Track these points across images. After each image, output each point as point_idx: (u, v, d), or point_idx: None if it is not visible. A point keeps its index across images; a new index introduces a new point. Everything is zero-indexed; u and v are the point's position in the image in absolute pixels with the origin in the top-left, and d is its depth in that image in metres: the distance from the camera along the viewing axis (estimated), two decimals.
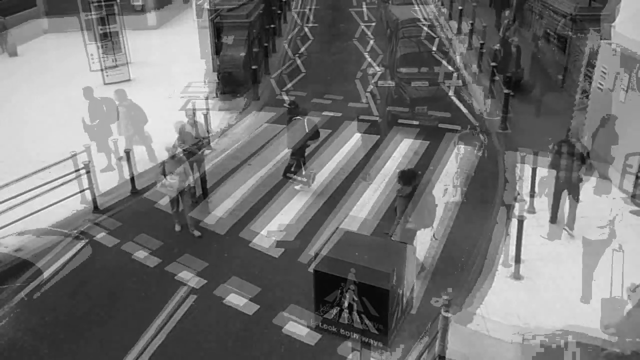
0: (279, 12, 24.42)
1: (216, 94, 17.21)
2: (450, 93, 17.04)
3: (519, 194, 11.60)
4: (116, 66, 18.68)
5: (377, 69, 19.31)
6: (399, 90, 15.45)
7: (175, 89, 17.94)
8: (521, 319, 8.53)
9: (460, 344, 8.00)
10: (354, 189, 12.42)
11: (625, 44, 11.56)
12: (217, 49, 17.85)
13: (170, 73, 19.17)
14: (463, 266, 9.89)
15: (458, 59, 19.91)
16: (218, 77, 17.31)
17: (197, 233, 11.00)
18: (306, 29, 24.62)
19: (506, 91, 14.67)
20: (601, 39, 12.51)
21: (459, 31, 22.34)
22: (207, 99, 16.22)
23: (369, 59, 20.54)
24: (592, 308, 8.52)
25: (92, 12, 18.18)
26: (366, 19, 26.13)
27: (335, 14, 27.29)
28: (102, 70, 18.50)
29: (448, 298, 7.36)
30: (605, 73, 12.20)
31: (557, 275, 9.38)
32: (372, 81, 18.41)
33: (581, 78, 13.90)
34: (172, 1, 27.41)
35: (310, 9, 28.34)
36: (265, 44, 19.94)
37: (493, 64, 16.43)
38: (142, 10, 24.91)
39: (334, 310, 8.24)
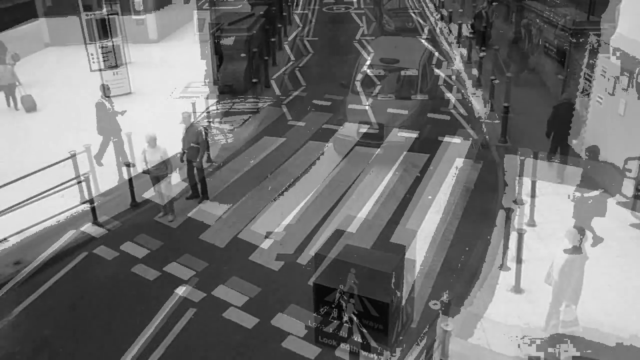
0: (279, 25, 24.57)
1: (217, 107, 17.29)
2: (450, 106, 17.18)
3: (518, 197, 11.65)
4: (116, 66, 18.68)
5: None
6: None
7: (175, 88, 18.31)
8: (522, 333, 8.48)
9: (461, 358, 7.95)
10: (353, 190, 12.46)
11: (627, 45, 11.61)
12: (218, 62, 17.96)
13: (171, 86, 19.23)
14: (463, 278, 9.87)
15: (459, 66, 20.16)
16: (218, 90, 17.42)
17: (169, 218, 11.88)
18: (306, 42, 24.74)
19: (475, 45, 19.77)
20: (600, 40, 12.70)
21: (459, 35, 22.60)
22: (208, 111, 16.33)
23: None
24: (593, 326, 8.49)
25: (94, 12, 18.29)
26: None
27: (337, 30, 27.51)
28: (100, 69, 18.35)
29: (448, 298, 7.38)
30: (605, 81, 12.29)
31: None
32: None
33: (581, 80, 14.02)
34: (171, 1, 27.49)
35: (310, 22, 28.54)
36: (266, 57, 20.04)
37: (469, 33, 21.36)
38: (143, 11, 24.98)
39: (334, 324, 8.25)
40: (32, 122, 16.75)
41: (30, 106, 17.45)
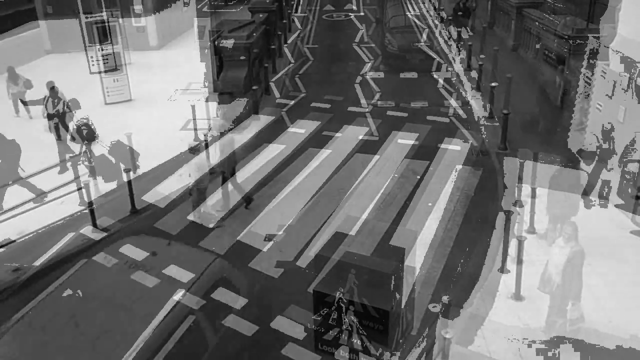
0: (279, 33, 24.66)
1: (217, 114, 17.33)
2: (450, 112, 17.22)
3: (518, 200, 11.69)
4: (116, 68, 18.71)
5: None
6: None
7: (175, 91, 18.55)
8: (523, 341, 8.47)
9: None
10: (353, 190, 12.48)
11: (629, 47, 11.67)
12: (218, 69, 18.03)
13: (171, 93, 19.30)
14: (463, 284, 9.86)
15: (458, 68, 20.28)
16: (219, 97, 17.48)
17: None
18: (306, 49, 24.82)
19: (458, 29, 22.60)
20: (600, 42, 12.80)
21: (459, 38, 22.74)
22: (208, 119, 16.42)
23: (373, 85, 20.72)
24: (594, 329, 8.48)
25: (94, 15, 18.30)
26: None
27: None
28: (99, 72, 18.46)
29: (448, 299, 7.41)
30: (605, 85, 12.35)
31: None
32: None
33: (580, 82, 14.10)
34: (170, 5, 27.57)
35: (310, 30, 28.65)
36: (266, 65, 20.10)
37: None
38: (143, 13, 25.04)
39: (334, 331, 8.21)
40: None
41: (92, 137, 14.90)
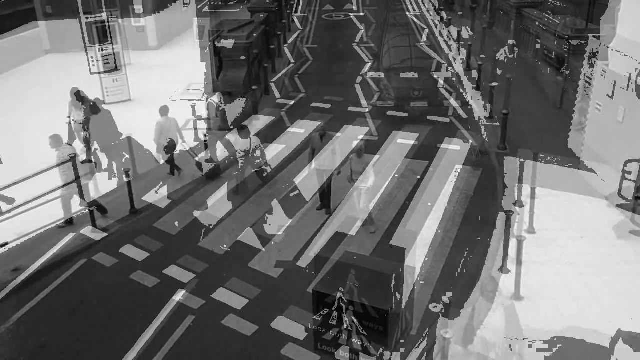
0: (279, 32, 24.67)
1: (216, 114, 17.32)
2: (450, 113, 17.22)
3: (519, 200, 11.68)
4: (116, 69, 18.73)
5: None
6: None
7: (176, 91, 18.65)
8: (523, 341, 8.46)
9: None
10: (353, 191, 12.47)
11: (628, 48, 11.67)
12: (218, 70, 18.03)
13: (170, 93, 19.29)
14: (463, 284, 9.86)
15: (456, 67, 20.28)
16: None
17: (372, 229, 11.32)
18: (305, 49, 24.81)
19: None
20: (601, 41, 12.82)
21: (459, 37, 22.76)
22: (209, 118, 16.43)
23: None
24: (594, 330, 8.48)
25: (94, 15, 18.30)
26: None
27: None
28: (99, 72, 18.54)
29: (449, 298, 7.42)
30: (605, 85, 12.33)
31: (558, 296, 9.34)
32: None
33: (581, 82, 14.12)
34: (170, 4, 27.57)
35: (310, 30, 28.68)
36: (266, 65, 20.11)
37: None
38: (143, 14, 25.07)
39: (334, 331, 8.21)
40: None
41: (214, 172, 13.68)
